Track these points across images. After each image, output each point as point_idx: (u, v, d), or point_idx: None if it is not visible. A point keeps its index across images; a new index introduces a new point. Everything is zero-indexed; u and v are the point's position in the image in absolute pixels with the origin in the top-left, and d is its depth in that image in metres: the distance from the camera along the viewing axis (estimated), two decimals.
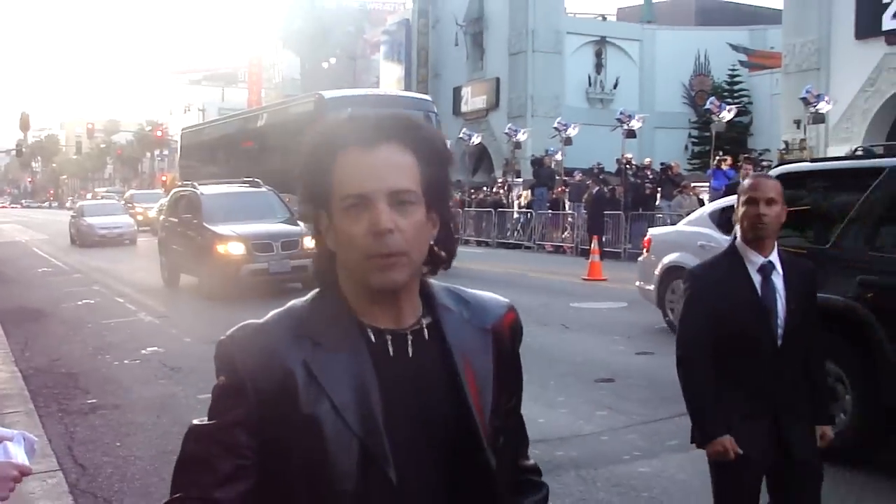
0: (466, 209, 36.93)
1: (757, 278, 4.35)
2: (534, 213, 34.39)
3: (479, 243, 35.16)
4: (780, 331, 4.33)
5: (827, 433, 4.42)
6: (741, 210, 4.38)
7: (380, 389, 1.88)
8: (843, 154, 14.00)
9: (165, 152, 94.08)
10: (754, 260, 4.36)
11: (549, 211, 33.73)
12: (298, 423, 1.85)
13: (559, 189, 34.49)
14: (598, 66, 56.29)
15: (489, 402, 1.98)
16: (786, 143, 34.28)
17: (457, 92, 57.42)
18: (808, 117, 31.72)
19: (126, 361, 12.81)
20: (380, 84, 61.79)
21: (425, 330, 1.99)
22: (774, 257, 4.39)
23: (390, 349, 1.93)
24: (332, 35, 62.44)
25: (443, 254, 2.02)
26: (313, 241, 2.05)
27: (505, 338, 2.08)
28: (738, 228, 4.45)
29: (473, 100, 56.38)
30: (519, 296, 19.32)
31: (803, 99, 31.11)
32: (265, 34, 72.19)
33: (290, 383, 1.86)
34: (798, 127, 33.41)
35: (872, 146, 10.92)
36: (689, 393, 4.44)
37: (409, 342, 1.95)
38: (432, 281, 2.06)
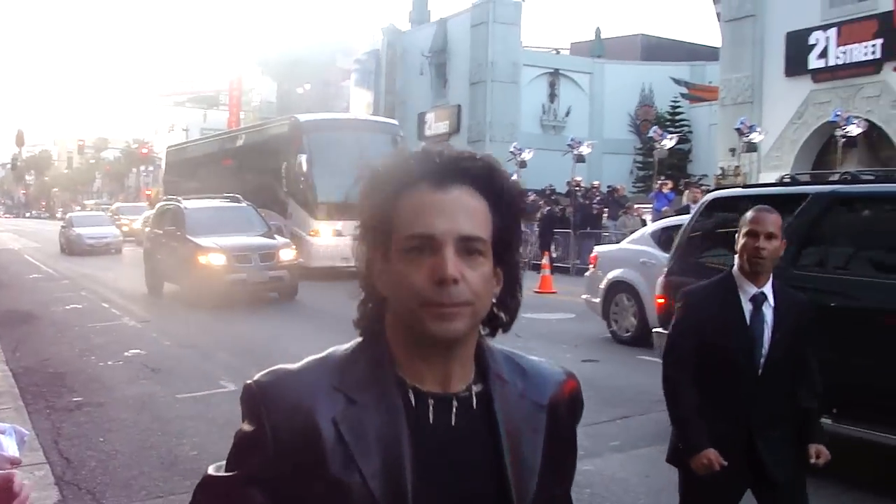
0: None
1: (748, 307, 4.23)
2: None
3: None
4: (762, 360, 4.20)
5: (822, 451, 4.23)
6: (741, 241, 4.24)
7: (413, 459, 1.57)
8: (772, 181, 14.15)
9: (150, 168, 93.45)
10: (748, 290, 4.23)
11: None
12: (319, 485, 1.57)
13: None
14: (552, 96, 56.43)
15: (532, 489, 1.67)
16: (722, 169, 34.53)
17: (421, 117, 57.41)
18: (742, 146, 32.01)
19: (110, 362, 12.74)
20: (350, 109, 61.71)
21: (474, 398, 1.66)
22: (768, 289, 4.26)
23: (431, 415, 1.62)
24: (306, 63, 62.44)
25: (503, 315, 1.69)
26: (361, 285, 1.70)
27: (562, 413, 1.76)
28: (736, 258, 4.30)
29: (436, 125, 56.37)
30: None
31: (738, 129, 31.39)
32: (245, 61, 72.06)
33: (314, 440, 1.56)
34: (733, 155, 33.68)
35: (798, 174, 11.02)
36: (674, 408, 4.34)
37: (454, 410, 1.63)
38: (490, 344, 1.73)
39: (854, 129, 28.15)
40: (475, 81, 52.39)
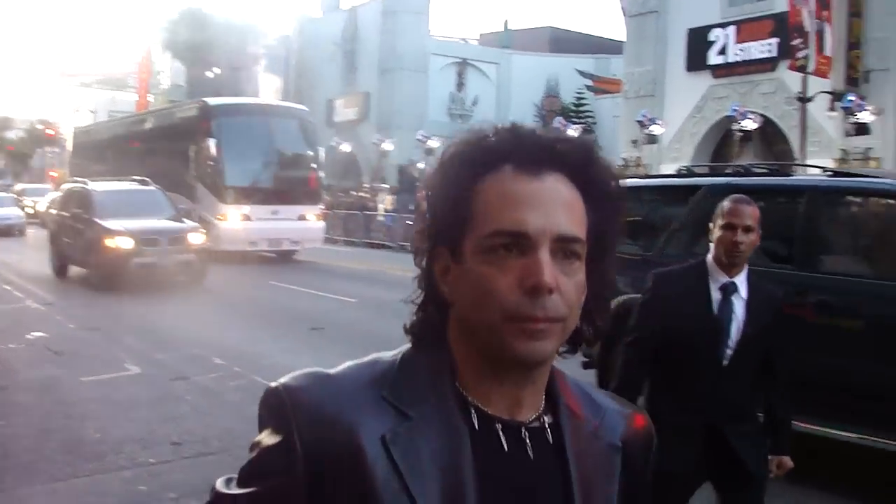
0: (336, 211, 36.83)
1: (716, 296, 4.09)
2: (397, 216, 34.52)
3: (346, 243, 35.11)
4: (728, 351, 4.05)
5: (785, 462, 4.19)
6: (717, 233, 4.09)
7: (478, 493, 1.26)
8: (671, 172, 14.41)
9: (56, 150, 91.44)
10: (718, 278, 4.09)
11: (412, 214, 33.95)
12: None
13: (421, 194, 34.81)
14: (460, 85, 56.71)
15: None
16: (624, 159, 35.01)
17: (330, 104, 57.22)
18: (644, 138, 32.59)
19: (12, 345, 12.45)
20: (259, 94, 61.12)
21: (548, 431, 1.36)
22: (740, 279, 4.11)
23: (504, 443, 1.31)
24: (216, 47, 61.56)
25: (587, 328, 1.36)
26: (419, 285, 1.39)
27: (636, 454, 1.46)
28: (711, 247, 4.15)
29: (345, 111, 56.25)
30: (380, 291, 19.37)
31: (639, 122, 31.96)
32: (154, 43, 70.68)
33: (357, 462, 1.24)
34: (635, 146, 34.23)
35: (695, 166, 11.25)
36: (619, 388, 4.06)
37: (527, 440, 1.33)
38: (561, 370, 1.42)
39: (750, 124, 28.82)
40: (384, 69, 52.39)
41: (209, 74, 61.15)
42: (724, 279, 4.10)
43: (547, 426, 1.35)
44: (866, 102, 25.95)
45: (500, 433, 1.31)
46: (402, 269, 24.21)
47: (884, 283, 7.06)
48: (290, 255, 26.72)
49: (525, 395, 1.33)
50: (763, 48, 31.73)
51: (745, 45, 32.33)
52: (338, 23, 57.40)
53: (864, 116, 25.56)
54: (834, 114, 27.48)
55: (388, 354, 1.37)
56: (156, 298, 17.28)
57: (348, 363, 1.36)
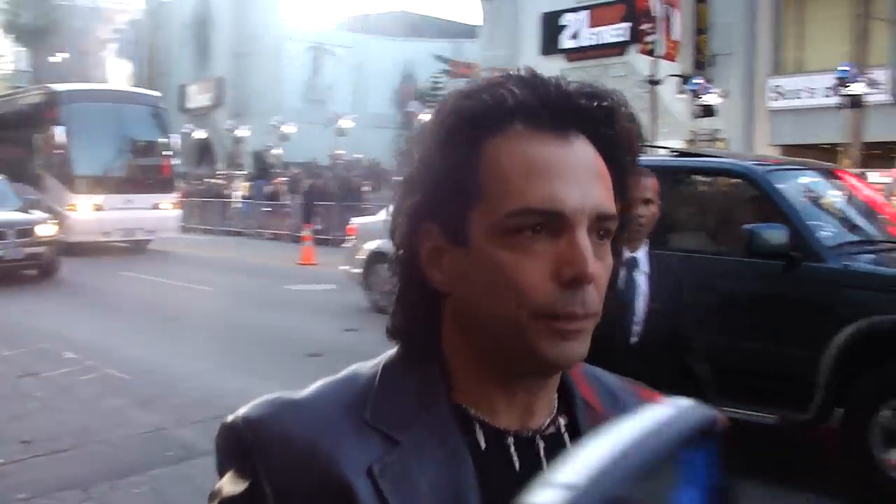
0: (191, 199, 36.23)
1: (620, 272, 3.90)
2: (253, 203, 34.22)
3: (203, 231, 34.58)
4: (636, 328, 3.94)
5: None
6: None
7: None
8: None
9: None
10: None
11: (268, 201, 33.69)
12: None
13: (277, 181, 34.58)
14: (316, 70, 56.44)
15: None
16: None
17: (183, 89, 56.24)
18: None
19: None
20: (109, 80, 59.65)
21: (566, 436, 1.13)
22: (641, 254, 4.01)
23: (515, 460, 1.09)
24: (62, 30, 59.86)
25: None
26: (398, 273, 1.14)
27: None
28: None
29: (199, 97, 55.37)
30: (239, 279, 19.21)
31: None
32: None
33: (341, 502, 1.01)
34: None
35: None
36: None
37: (542, 452, 1.10)
38: None
39: None
40: (238, 54, 51.78)
41: (55, 59, 59.39)
42: (626, 254, 3.98)
43: (563, 430, 1.14)
44: (712, 85, 26.80)
45: (512, 448, 1.09)
46: (259, 257, 24.08)
47: (727, 259, 7.36)
48: (145, 244, 26.19)
49: (539, 400, 1.12)
50: (615, 32, 32.42)
51: (598, 29, 32.98)
52: (190, 5, 56.37)
53: (710, 99, 26.37)
54: (682, 96, 28.29)
55: (368, 366, 1.16)
56: (2, 293, 16.75)
57: (319, 383, 1.13)
